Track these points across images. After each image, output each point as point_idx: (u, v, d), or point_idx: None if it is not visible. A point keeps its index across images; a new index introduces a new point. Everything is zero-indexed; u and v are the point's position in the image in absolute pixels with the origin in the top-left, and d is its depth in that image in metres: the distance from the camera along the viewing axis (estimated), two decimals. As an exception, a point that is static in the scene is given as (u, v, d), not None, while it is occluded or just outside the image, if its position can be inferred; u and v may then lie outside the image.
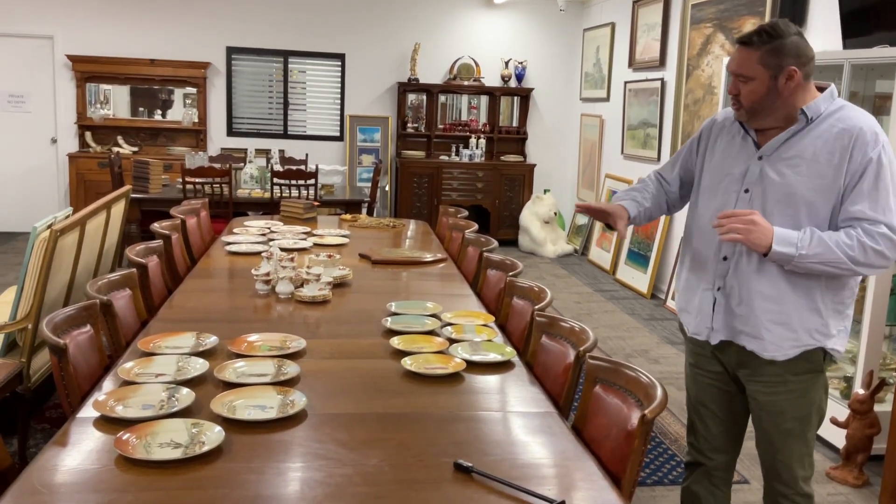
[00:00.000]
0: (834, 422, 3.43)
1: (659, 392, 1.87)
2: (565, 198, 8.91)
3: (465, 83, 8.56)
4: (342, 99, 8.51)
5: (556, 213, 8.28)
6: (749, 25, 5.33)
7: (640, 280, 6.77)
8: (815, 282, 2.08)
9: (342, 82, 8.48)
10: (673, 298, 6.12)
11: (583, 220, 8.42)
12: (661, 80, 6.71)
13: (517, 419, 2.07)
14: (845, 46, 4.07)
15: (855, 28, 4.06)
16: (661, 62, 6.72)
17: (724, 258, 2.17)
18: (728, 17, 5.63)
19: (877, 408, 3.35)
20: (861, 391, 3.33)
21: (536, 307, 2.76)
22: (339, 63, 8.44)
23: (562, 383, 2.33)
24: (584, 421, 2.12)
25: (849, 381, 3.66)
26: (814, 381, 2.16)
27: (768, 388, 2.16)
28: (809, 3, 4.66)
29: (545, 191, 8.47)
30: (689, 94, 6.25)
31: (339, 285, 3.28)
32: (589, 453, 1.88)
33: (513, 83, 8.67)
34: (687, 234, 2.36)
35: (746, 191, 2.13)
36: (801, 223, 2.06)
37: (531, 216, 8.26)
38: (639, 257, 6.90)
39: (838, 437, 3.47)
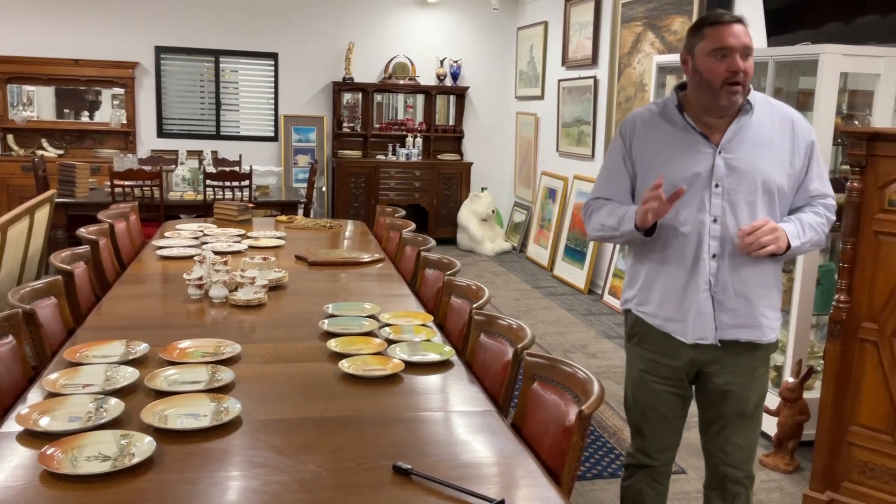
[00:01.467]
0: (766, 410, 3.51)
1: (596, 387, 1.88)
2: (503, 195, 8.96)
3: (401, 82, 8.53)
4: (276, 99, 8.39)
5: (493, 211, 8.33)
6: (678, 24, 5.45)
7: (577, 276, 6.85)
8: (777, 266, 2.23)
9: (276, 82, 8.36)
10: (611, 294, 6.21)
11: (520, 217, 8.48)
12: (594, 78, 6.80)
13: (457, 419, 2.07)
14: (770, 44, 4.19)
15: (779, 26, 4.18)
16: (594, 60, 6.81)
17: (714, 255, 2.14)
18: (657, 16, 5.74)
19: (806, 395, 3.46)
20: (791, 379, 3.43)
21: (474, 305, 2.76)
22: (272, 62, 8.31)
23: (501, 381, 2.33)
24: (523, 418, 2.13)
25: (779, 369, 3.77)
26: (768, 365, 2.33)
27: (739, 376, 2.22)
28: (735, 1, 4.78)
29: (483, 189, 8.51)
30: (621, 91, 6.35)
31: (274, 288, 3.23)
32: (528, 450, 1.88)
33: (448, 82, 8.68)
34: (651, 243, 2.19)
35: (717, 185, 2.13)
36: (775, 208, 2.16)
37: (469, 214, 8.28)
38: (575, 253, 6.98)
39: (770, 425, 3.57)
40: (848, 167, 2.98)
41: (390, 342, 2.55)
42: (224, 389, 2.11)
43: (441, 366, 2.41)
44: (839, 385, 3.01)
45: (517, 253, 8.31)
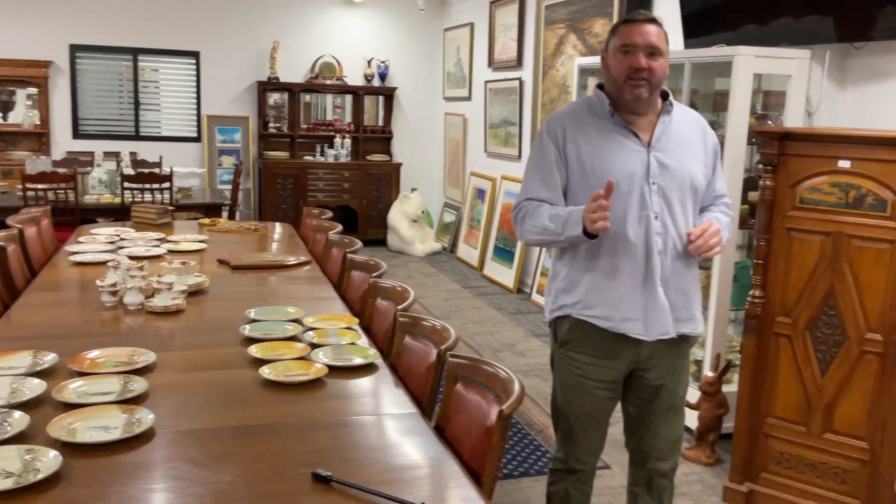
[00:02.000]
0: (686, 404, 3.60)
1: (516, 387, 1.89)
2: (433, 196, 8.96)
3: (328, 82, 8.44)
4: (198, 98, 8.19)
5: (423, 212, 8.32)
6: (599, 26, 5.54)
7: (506, 275, 6.90)
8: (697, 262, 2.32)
9: (198, 81, 8.16)
10: (539, 293, 6.27)
11: (450, 217, 8.50)
12: (520, 79, 6.86)
13: (380, 423, 2.04)
14: (686, 46, 4.29)
15: (695, 28, 4.28)
16: (519, 62, 6.87)
17: (659, 252, 2.17)
18: (579, 18, 5.82)
19: (725, 388, 3.55)
20: (710, 374, 3.52)
21: (399, 307, 2.74)
22: (194, 61, 8.12)
23: (425, 383, 2.32)
24: (447, 420, 2.12)
25: (699, 364, 3.86)
26: (689, 358, 2.41)
27: (670, 370, 2.28)
28: (653, 4, 4.88)
29: (412, 189, 8.49)
30: (545, 93, 6.42)
31: (194, 293, 3.14)
32: (450, 452, 1.87)
33: (376, 82, 8.64)
34: (595, 248, 2.17)
35: (654, 183, 2.16)
36: (696, 206, 2.26)
37: (399, 215, 8.25)
38: (504, 253, 7.03)
39: (691, 419, 3.65)
40: (761, 166, 3.07)
41: (314, 346, 2.51)
42: (137, 400, 2.04)
43: (365, 369, 2.38)
44: (755, 378, 3.10)
45: (448, 253, 8.33)
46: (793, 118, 3.62)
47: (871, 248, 2.79)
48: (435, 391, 2.30)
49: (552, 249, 2.37)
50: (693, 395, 3.60)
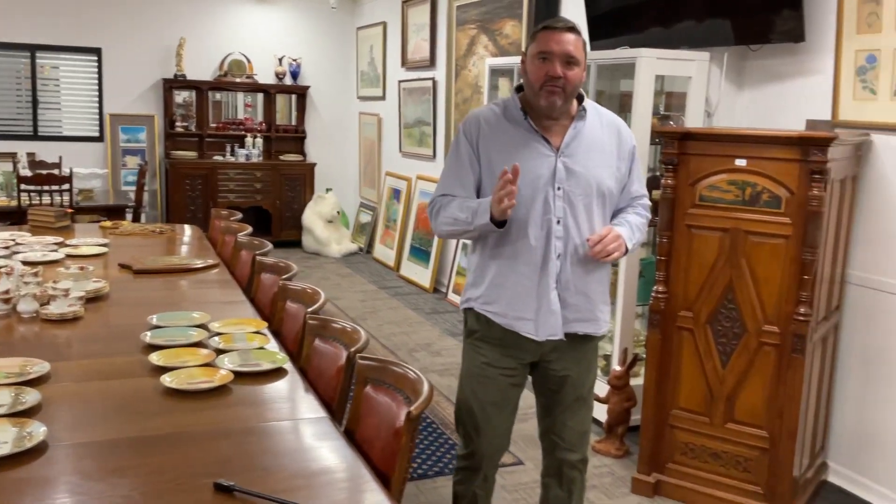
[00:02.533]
0: (596, 398, 3.67)
1: (425, 387, 1.88)
2: (348, 196, 8.89)
3: (238, 80, 8.26)
4: (100, 97, 7.89)
5: (339, 212, 8.24)
6: (509, 27, 5.60)
7: (422, 275, 6.90)
8: (608, 264, 2.37)
9: (100, 79, 7.86)
10: (455, 292, 6.29)
11: (366, 218, 8.45)
12: (433, 79, 6.87)
13: (288, 428, 2.00)
14: (592, 48, 4.37)
15: (601, 31, 4.38)
16: (432, 62, 6.88)
17: (559, 256, 2.23)
18: (490, 19, 5.87)
19: (633, 382, 3.64)
20: (618, 368, 3.60)
21: (309, 310, 2.70)
22: (96, 58, 7.81)
23: (334, 386, 2.29)
24: (357, 423, 2.09)
25: (607, 358, 3.95)
26: (597, 353, 2.49)
27: (576, 363, 2.36)
28: (561, 6, 4.96)
29: (327, 190, 8.40)
30: (458, 93, 6.45)
31: (93, 300, 3.01)
32: (360, 455, 1.85)
33: (288, 81, 8.50)
34: (499, 244, 2.25)
35: (559, 188, 2.22)
36: (606, 210, 2.32)
37: (314, 216, 8.15)
38: (421, 253, 7.03)
39: (600, 412, 3.73)
40: (663, 165, 3.15)
41: (220, 352, 2.44)
42: (29, 413, 1.94)
43: (274, 374, 2.33)
44: (660, 371, 3.19)
45: (364, 254, 8.27)
46: (693, 118, 3.74)
47: (766, 244, 2.90)
48: (345, 394, 2.27)
49: (467, 247, 2.38)
50: (602, 388, 3.68)
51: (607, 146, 2.29)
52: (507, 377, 2.34)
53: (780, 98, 3.63)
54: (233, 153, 8.27)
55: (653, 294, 3.18)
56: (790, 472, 2.93)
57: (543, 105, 2.19)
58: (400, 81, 7.54)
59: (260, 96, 8.50)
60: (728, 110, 3.85)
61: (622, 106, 4.07)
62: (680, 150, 3.06)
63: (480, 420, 2.36)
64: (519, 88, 2.32)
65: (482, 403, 2.35)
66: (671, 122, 3.80)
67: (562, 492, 2.46)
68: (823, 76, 3.37)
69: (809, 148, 2.76)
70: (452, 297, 6.35)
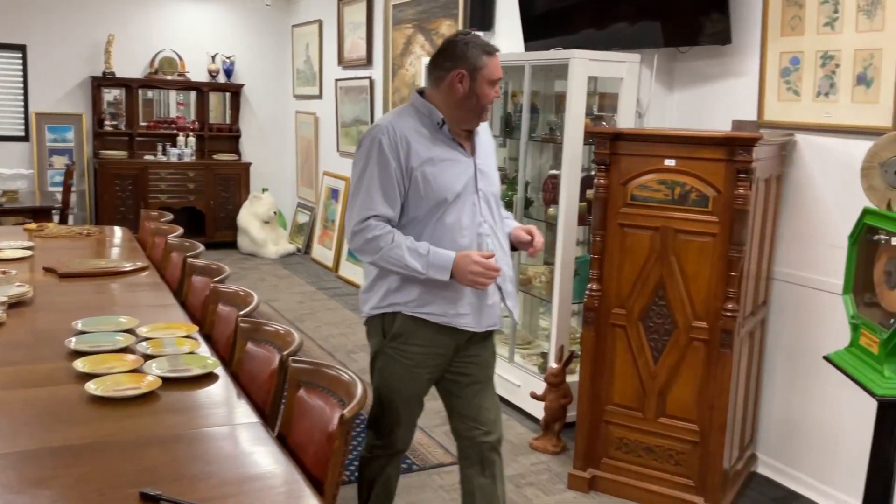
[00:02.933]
0: (533, 395, 3.71)
1: (359, 390, 1.87)
2: (285, 196, 8.77)
3: (169, 78, 8.08)
4: (25, 95, 7.61)
5: (275, 213, 8.13)
6: (445, 27, 5.61)
7: (361, 276, 6.84)
8: None
9: (24, 76, 7.58)
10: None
11: (304, 218, 8.36)
12: (370, 78, 6.84)
13: (218, 435, 1.96)
14: (527, 49, 4.41)
15: (534, 32, 4.41)
16: (369, 61, 6.85)
17: (493, 253, 2.32)
18: (426, 19, 5.87)
19: (570, 379, 3.68)
20: (554, 365, 3.64)
21: (241, 312, 2.65)
22: (20, 55, 7.53)
23: (267, 391, 2.25)
24: (289, 427, 2.06)
25: (545, 356, 3.99)
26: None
27: (487, 348, 2.52)
28: (496, 7, 4.99)
29: (263, 190, 8.28)
30: (395, 92, 6.43)
31: (15, 305, 2.90)
32: (293, 461, 1.83)
33: (221, 78, 8.35)
34: (437, 245, 2.27)
35: (480, 191, 2.37)
36: (500, 207, 2.50)
37: (250, 216, 8.02)
38: (358, 253, 6.97)
39: (537, 409, 3.77)
40: (595, 165, 3.20)
41: (148, 358, 2.38)
42: (-57, 425, 1.86)
43: (204, 379, 2.28)
44: (595, 368, 3.23)
45: (302, 255, 8.18)
46: (625, 119, 3.80)
47: (695, 242, 2.97)
48: (278, 398, 2.24)
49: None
50: (540, 386, 3.72)
51: (490, 148, 2.51)
52: (430, 374, 2.42)
53: (708, 99, 3.72)
54: (164, 153, 8.08)
55: (587, 292, 3.22)
56: (720, 464, 3.00)
57: (478, 121, 2.35)
58: (337, 80, 7.48)
59: (193, 94, 8.33)
60: (659, 111, 3.93)
61: (558, 106, 4.12)
62: (611, 150, 3.11)
63: (403, 415, 2.44)
64: (420, 92, 2.37)
65: (407, 399, 2.42)
66: (604, 123, 3.86)
67: (485, 479, 2.48)
68: (749, 77, 3.47)
69: (735, 148, 2.83)
70: (391, 297, 6.32)
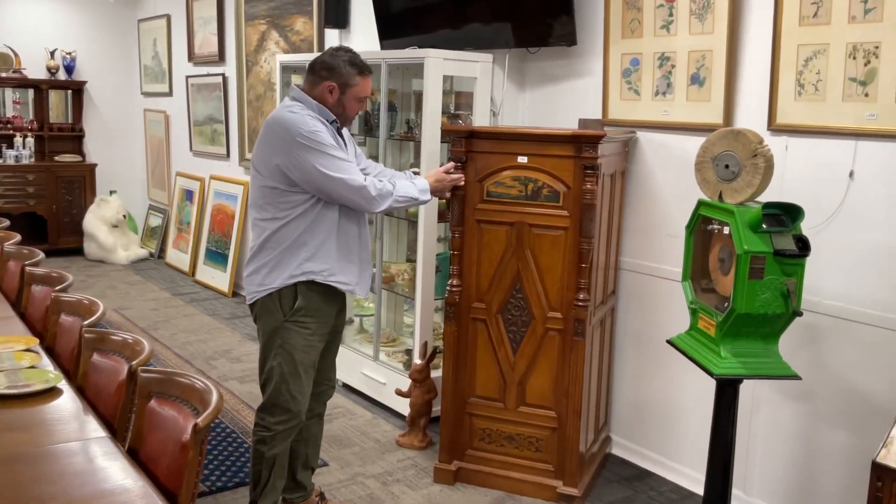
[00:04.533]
0: (398, 392, 3.73)
1: (214, 397, 1.81)
2: (135, 198, 8.36)
3: (4, 75, 7.51)
4: None
5: (125, 216, 7.74)
6: (300, 24, 5.52)
7: (220, 279, 6.65)
8: None
9: None
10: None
11: (157, 221, 8.00)
12: (223, 75, 6.63)
13: (64, 452, 1.85)
14: (383, 47, 4.42)
15: (390, 31, 4.43)
16: (221, 57, 6.64)
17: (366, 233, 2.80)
18: (279, 15, 5.76)
19: (435, 374, 3.72)
20: (418, 361, 3.67)
21: (86, 322, 2.51)
22: None
23: (115, 403, 2.15)
24: (141, 440, 1.98)
25: (409, 353, 4.02)
26: None
27: (344, 312, 2.92)
28: (351, 6, 4.96)
29: (111, 192, 7.86)
30: (250, 89, 6.27)
31: None
32: (144, 475, 1.75)
33: (62, 75, 7.85)
34: (345, 223, 2.68)
35: None
36: None
37: (97, 221, 7.60)
38: (217, 256, 6.77)
39: (402, 406, 3.79)
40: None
41: (-19, 375, 2.21)
42: None
43: (46, 394, 2.16)
44: (457, 362, 3.29)
45: (156, 259, 7.83)
46: (481, 117, 3.88)
47: (548, 235, 3.08)
48: (128, 410, 2.14)
49: (262, 235, 2.65)
50: (404, 383, 3.74)
51: (352, 145, 2.86)
52: (322, 339, 2.75)
53: (557, 98, 3.86)
54: (0, 155, 7.51)
55: (448, 287, 3.27)
56: (577, 448, 3.13)
57: (343, 125, 2.76)
58: (188, 77, 7.21)
59: (30, 92, 7.78)
60: (512, 109, 4.04)
61: (417, 105, 4.15)
62: (467, 147, 3.16)
63: (305, 384, 2.71)
64: (298, 87, 2.74)
65: (306, 368, 2.70)
66: (460, 121, 3.92)
67: (318, 426, 2.98)
68: (594, 78, 3.63)
69: (582, 145, 2.96)
70: (252, 300, 6.16)
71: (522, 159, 3.08)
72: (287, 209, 2.61)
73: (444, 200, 3.85)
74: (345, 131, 2.81)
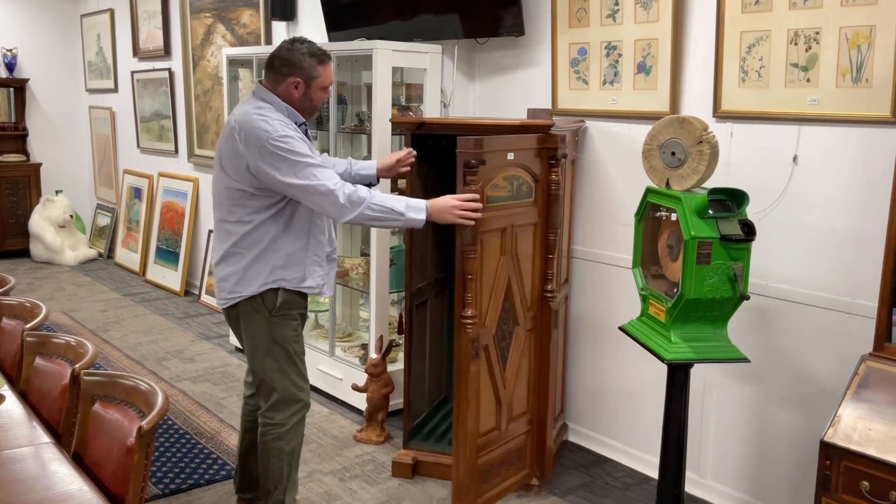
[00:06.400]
0: (355, 387, 3.70)
1: (159, 399, 1.77)
2: (82, 198, 8.17)
3: (-61, 73, 7.28)
4: None
5: (72, 216, 7.55)
6: (246, 17, 5.44)
7: (171, 278, 6.54)
8: None
9: None
10: (208, 293, 6.03)
11: (105, 220, 7.83)
12: (169, 70, 6.50)
13: (5, 459, 1.80)
14: (330, 39, 4.37)
15: (338, 23, 4.38)
16: (167, 52, 6.51)
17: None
18: (226, 8, 5.66)
19: (390, 368, 3.70)
20: (374, 356, 3.65)
21: (28, 326, 2.44)
22: None
23: (59, 408, 2.09)
24: (85, 445, 1.93)
25: (365, 347, 3.99)
26: None
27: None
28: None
29: (57, 192, 7.66)
30: (198, 84, 6.16)
31: None
32: (89, 480, 1.71)
33: (3, 73, 7.62)
34: (315, 234, 2.65)
35: None
36: None
37: (42, 221, 7.40)
38: (168, 255, 6.65)
39: (360, 401, 3.77)
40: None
41: (-84, 383, 2.13)
42: None
43: (-14, 401, 2.08)
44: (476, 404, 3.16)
45: (105, 259, 7.66)
46: (431, 109, 3.86)
47: (526, 233, 3.01)
48: (72, 415, 2.08)
49: (230, 238, 2.59)
50: (361, 378, 3.72)
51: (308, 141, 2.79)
52: (303, 327, 2.80)
53: (506, 88, 3.86)
54: (-63, 155, 7.28)
55: (462, 320, 2.96)
56: (547, 442, 3.14)
57: (309, 119, 2.69)
58: (133, 72, 7.05)
59: (-31, 90, 7.56)
60: (462, 100, 4.03)
61: (368, 97, 4.11)
62: (475, 147, 3.10)
63: (302, 368, 2.74)
64: (261, 85, 2.65)
65: (300, 357, 2.73)
66: (410, 113, 3.89)
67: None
68: (543, 67, 3.63)
69: (547, 136, 2.95)
70: (206, 298, 6.08)
71: (510, 156, 2.98)
72: (255, 213, 2.53)
73: (396, 192, 3.83)
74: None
